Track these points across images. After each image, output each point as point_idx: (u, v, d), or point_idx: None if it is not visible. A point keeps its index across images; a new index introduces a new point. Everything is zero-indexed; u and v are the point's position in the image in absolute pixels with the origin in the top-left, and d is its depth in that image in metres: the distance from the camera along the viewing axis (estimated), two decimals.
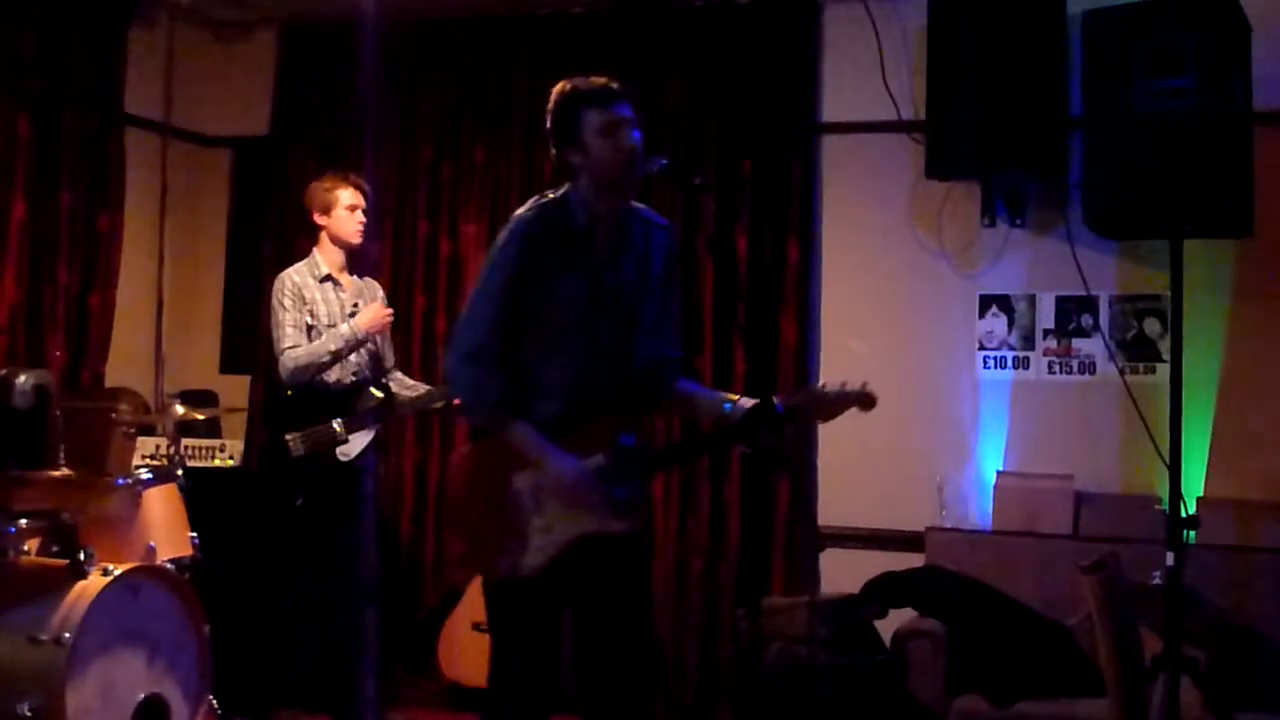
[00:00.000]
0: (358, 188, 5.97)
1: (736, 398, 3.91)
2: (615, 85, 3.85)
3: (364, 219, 5.96)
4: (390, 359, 6.18)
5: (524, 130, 7.10)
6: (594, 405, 3.81)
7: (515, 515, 3.71)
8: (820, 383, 3.98)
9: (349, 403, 5.85)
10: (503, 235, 3.83)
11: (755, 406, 3.79)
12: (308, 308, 5.88)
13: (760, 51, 6.89)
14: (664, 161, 3.85)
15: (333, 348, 5.78)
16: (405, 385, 6.16)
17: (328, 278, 5.92)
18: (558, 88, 3.87)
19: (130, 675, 4.99)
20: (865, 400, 3.98)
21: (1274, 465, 5.99)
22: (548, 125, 3.87)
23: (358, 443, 5.83)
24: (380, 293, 6.17)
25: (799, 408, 3.94)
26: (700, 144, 6.88)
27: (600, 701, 3.81)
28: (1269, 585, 5.50)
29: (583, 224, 3.81)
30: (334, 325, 5.88)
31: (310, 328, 5.86)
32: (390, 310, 5.97)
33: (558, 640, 3.82)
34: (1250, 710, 5.07)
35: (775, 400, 3.80)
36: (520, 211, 3.86)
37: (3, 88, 6.49)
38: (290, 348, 5.81)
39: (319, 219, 5.97)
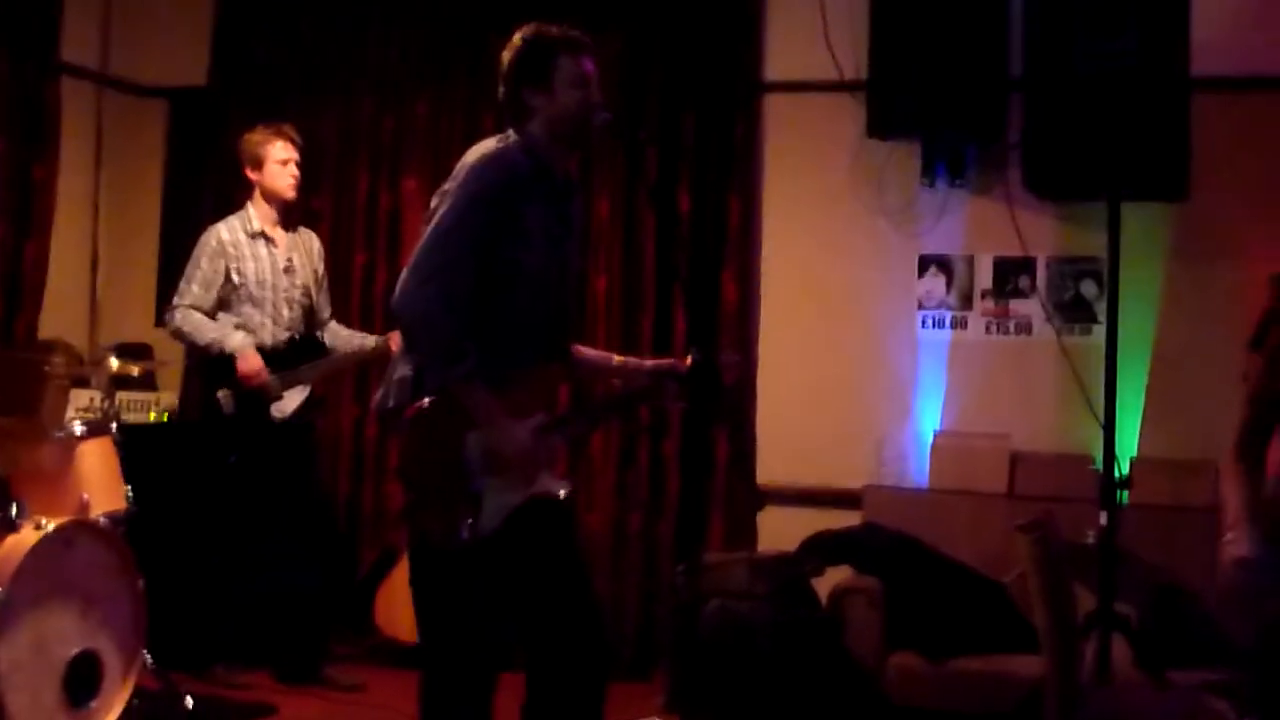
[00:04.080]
0: (290, 140, 5.92)
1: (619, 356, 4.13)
2: (588, 38, 3.85)
3: (297, 172, 5.92)
4: (326, 311, 6.15)
5: (466, 83, 7.05)
6: (546, 351, 3.82)
7: (471, 476, 3.67)
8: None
9: (283, 359, 5.81)
10: (475, 168, 3.74)
11: (696, 364, 3.83)
12: (235, 266, 5.83)
13: (704, 7, 6.86)
14: (607, 115, 3.86)
15: (204, 341, 5.74)
16: (342, 337, 6.12)
17: (260, 234, 5.88)
18: (530, 29, 3.85)
19: (63, 630, 4.94)
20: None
21: (1207, 426, 6.04)
22: (510, 63, 3.84)
23: (292, 400, 5.80)
24: (317, 243, 6.13)
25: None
26: (642, 99, 6.86)
27: (553, 663, 3.79)
28: (1200, 544, 5.55)
29: (545, 165, 3.80)
30: (262, 281, 5.83)
31: (238, 286, 5.82)
32: (262, 371, 5.87)
33: (504, 599, 3.82)
34: (1180, 667, 5.13)
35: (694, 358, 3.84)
36: (486, 146, 3.80)
37: None
38: (188, 305, 5.78)
39: (251, 174, 5.92)
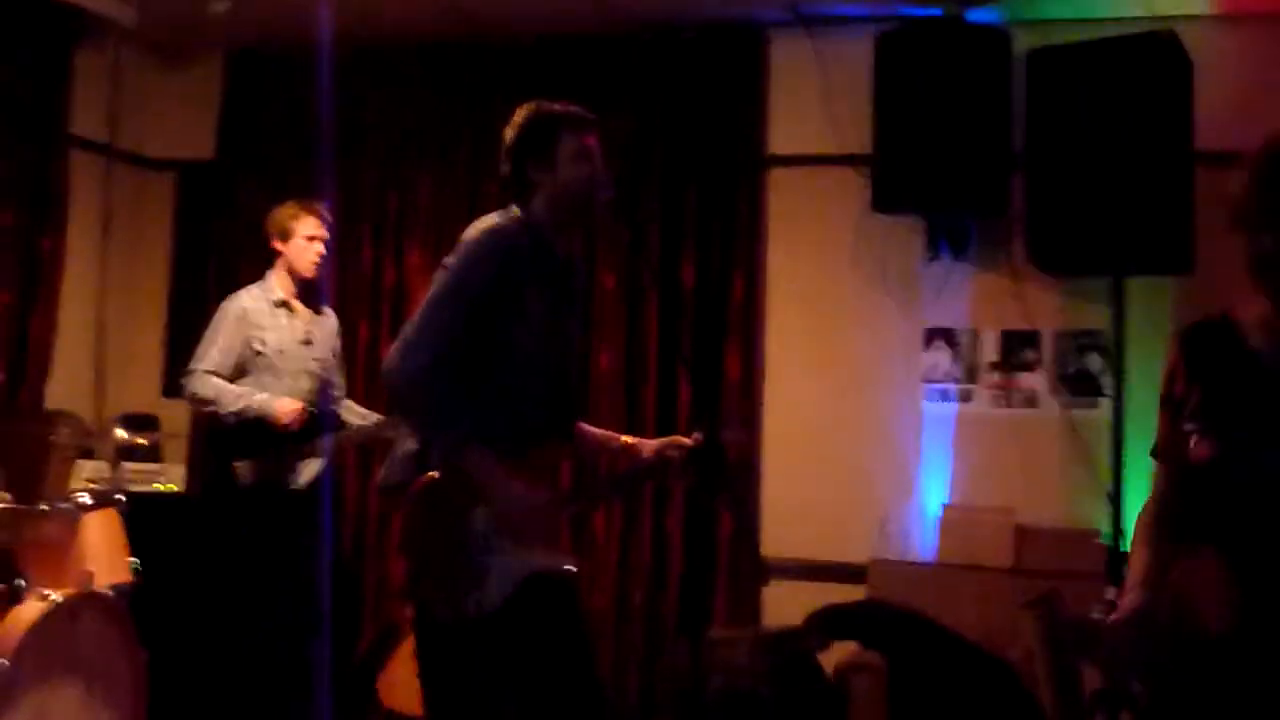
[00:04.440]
0: (322, 219, 5.93)
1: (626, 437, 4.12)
2: (591, 115, 3.88)
3: (323, 251, 5.92)
4: (341, 387, 6.15)
5: (470, 159, 7.10)
6: (549, 429, 3.81)
7: (476, 550, 3.66)
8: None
9: (299, 430, 5.81)
10: (475, 241, 3.76)
11: (699, 444, 3.85)
12: (257, 335, 5.83)
13: (707, 83, 6.91)
14: (610, 192, 3.88)
15: (237, 408, 5.73)
16: (358, 414, 6.13)
17: (282, 303, 5.89)
18: (533, 105, 3.89)
19: (65, 703, 4.93)
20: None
21: None
22: (514, 139, 3.86)
23: (307, 472, 5.80)
24: (334, 321, 6.14)
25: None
26: (646, 175, 6.90)
27: None
28: None
29: (546, 242, 3.81)
30: (283, 352, 5.84)
31: (258, 354, 5.83)
32: (302, 410, 5.89)
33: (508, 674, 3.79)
34: None
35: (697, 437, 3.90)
36: (488, 222, 3.82)
37: None
38: (207, 370, 5.77)
39: (277, 244, 5.93)
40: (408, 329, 3.71)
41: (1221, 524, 3.03)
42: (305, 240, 5.89)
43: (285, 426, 5.72)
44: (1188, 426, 3.03)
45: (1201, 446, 2.99)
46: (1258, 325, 3.05)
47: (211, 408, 5.82)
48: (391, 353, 3.70)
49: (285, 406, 5.74)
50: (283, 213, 5.95)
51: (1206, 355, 3.10)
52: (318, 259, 5.91)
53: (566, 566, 3.80)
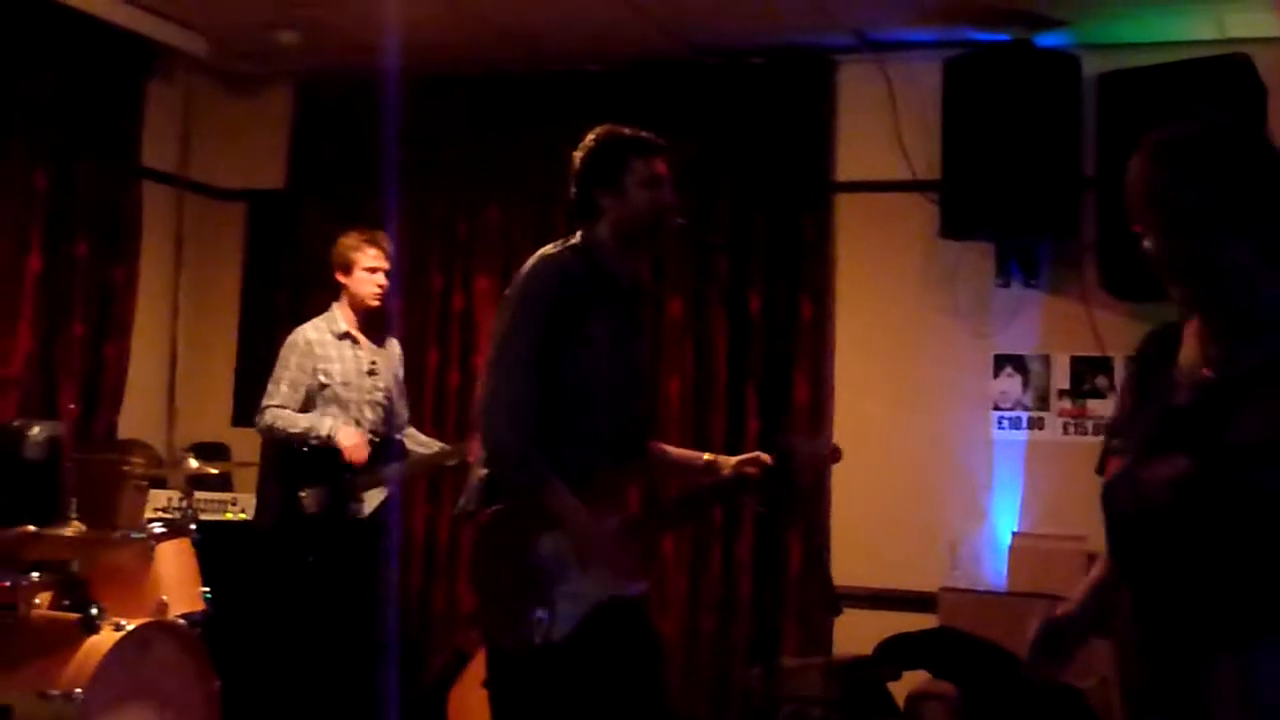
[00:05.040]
0: (381, 249, 5.94)
1: (708, 454, 4.06)
2: (661, 140, 3.86)
3: (384, 282, 5.94)
4: (404, 416, 6.17)
5: (537, 186, 7.12)
6: (615, 456, 3.81)
7: (544, 580, 3.65)
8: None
9: (365, 462, 5.83)
10: (529, 275, 3.76)
11: (771, 465, 3.83)
12: (322, 367, 5.86)
13: (775, 110, 6.91)
14: (681, 221, 3.88)
15: (305, 433, 5.76)
16: (420, 442, 6.15)
17: (346, 334, 5.92)
18: (603, 129, 3.86)
19: None
20: (828, 456, 4.09)
21: None
22: (581, 163, 3.85)
23: (371, 500, 5.82)
24: (398, 349, 6.16)
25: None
26: (714, 201, 6.90)
27: None
28: None
29: (610, 268, 3.81)
30: (348, 384, 5.86)
31: (324, 386, 5.85)
32: (365, 441, 5.90)
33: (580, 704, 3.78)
34: None
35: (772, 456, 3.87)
36: (547, 250, 3.82)
37: (20, 140, 6.52)
38: (276, 406, 5.81)
39: (340, 277, 5.96)
40: (485, 373, 3.77)
41: (1114, 552, 2.78)
42: (366, 272, 5.91)
43: (348, 459, 5.75)
44: (1111, 444, 2.71)
45: (1110, 467, 2.67)
46: (1190, 335, 2.65)
47: (284, 435, 5.86)
48: (477, 402, 3.77)
49: (350, 438, 5.76)
50: (344, 244, 5.97)
51: (1144, 365, 2.73)
52: (379, 290, 5.92)
53: (636, 588, 3.79)
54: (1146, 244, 2.60)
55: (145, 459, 6.38)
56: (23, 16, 6.47)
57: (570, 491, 3.64)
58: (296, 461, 5.83)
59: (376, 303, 5.94)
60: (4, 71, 6.43)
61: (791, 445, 4.03)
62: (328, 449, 5.74)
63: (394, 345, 6.15)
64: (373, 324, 6.03)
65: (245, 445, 6.95)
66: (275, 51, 7.15)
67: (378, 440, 5.92)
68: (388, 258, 5.96)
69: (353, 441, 5.76)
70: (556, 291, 3.71)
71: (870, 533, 6.62)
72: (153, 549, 5.30)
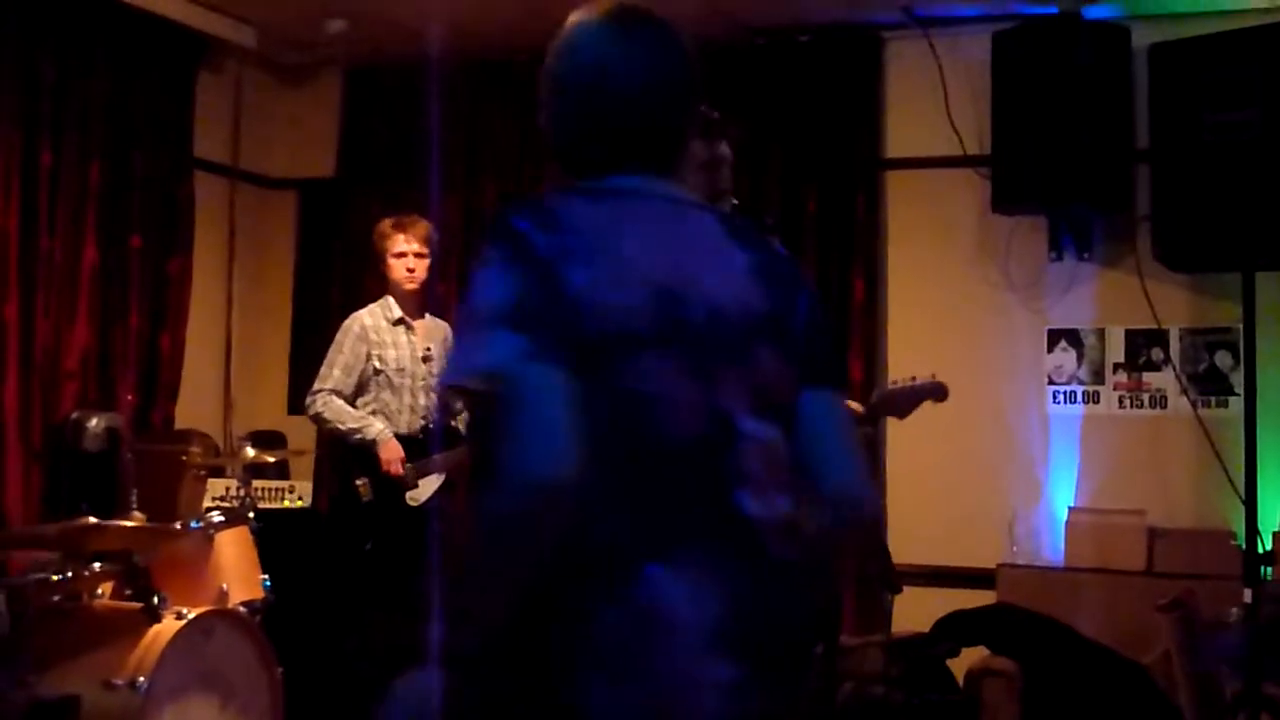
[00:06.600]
0: (408, 232, 5.94)
1: None
2: (721, 120, 3.81)
3: (414, 265, 5.94)
4: (459, 401, 6.19)
5: None
6: None
7: None
8: (890, 380, 3.98)
9: (419, 446, 5.86)
10: None
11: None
12: (377, 352, 5.88)
13: (823, 87, 6.89)
14: (733, 202, 3.86)
15: (349, 433, 5.80)
16: None
17: (400, 320, 5.94)
18: None
19: (204, 719, 5.00)
20: (938, 391, 4.00)
21: None
22: None
23: (427, 488, 5.84)
24: (449, 331, 6.17)
25: (875, 407, 3.95)
26: (764, 181, 6.89)
27: None
28: None
29: None
30: (402, 369, 5.89)
31: (378, 372, 5.88)
32: (402, 460, 5.89)
33: None
34: None
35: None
36: None
37: (74, 134, 6.57)
38: (329, 390, 5.84)
39: (380, 264, 6.00)
40: None
41: None
42: (396, 258, 5.93)
43: (384, 470, 5.78)
44: None
45: None
46: None
47: (329, 428, 5.90)
48: None
49: (388, 451, 5.79)
50: (376, 232, 6.01)
51: None
52: (408, 274, 5.94)
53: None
54: None
55: (203, 448, 6.43)
56: (76, 12, 6.53)
57: None
58: (354, 450, 5.87)
59: (412, 286, 5.95)
60: (58, 67, 6.48)
61: (891, 394, 3.96)
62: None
63: (445, 328, 6.17)
64: (421, 307, 6.05)
65: (301, 433, 6.99)
66: (324, 41, 7.18)
67: (431, 426, 5.94)
68: (419, 239, 5.97)
69: (390, 455, 5.79)
70: None
71: (927, 510, 6.60)
72: (212, 538, 5.33)
